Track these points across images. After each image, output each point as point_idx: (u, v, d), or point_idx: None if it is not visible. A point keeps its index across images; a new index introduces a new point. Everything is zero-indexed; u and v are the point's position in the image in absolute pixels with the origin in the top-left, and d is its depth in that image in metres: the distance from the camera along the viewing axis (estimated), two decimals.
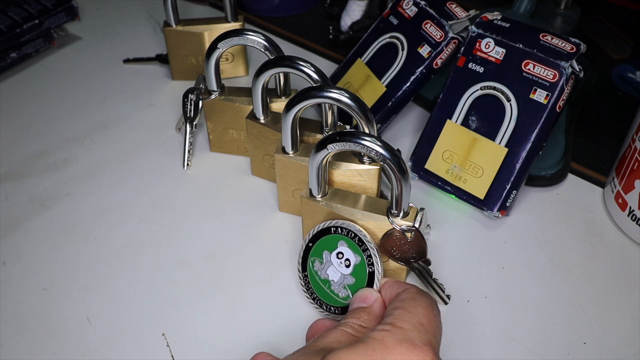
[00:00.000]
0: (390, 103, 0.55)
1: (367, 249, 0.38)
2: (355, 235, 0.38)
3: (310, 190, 0.42)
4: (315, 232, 0.40)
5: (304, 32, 0.76)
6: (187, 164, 0.56)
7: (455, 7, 0.53)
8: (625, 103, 0.63)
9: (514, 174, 0.48)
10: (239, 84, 0.66)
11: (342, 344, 0.31)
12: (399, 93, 0.55)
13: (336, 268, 0.39)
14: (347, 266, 0.38)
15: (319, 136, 0.48)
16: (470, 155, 0.50)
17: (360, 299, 0.37)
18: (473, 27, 0.51)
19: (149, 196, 0.53)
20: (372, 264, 0.38)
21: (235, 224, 0.50)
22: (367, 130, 0.42)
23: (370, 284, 0.38)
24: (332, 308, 0.41)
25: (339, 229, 0.39)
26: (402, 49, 0.55)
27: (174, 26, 0.63)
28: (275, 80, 0.52)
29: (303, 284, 0.41)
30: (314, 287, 0.41)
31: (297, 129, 0.45)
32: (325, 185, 0.42)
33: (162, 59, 0.69)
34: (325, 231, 0.39)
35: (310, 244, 0.40)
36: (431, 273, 0.42)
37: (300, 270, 0.41)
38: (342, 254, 0.39)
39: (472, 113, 0.50)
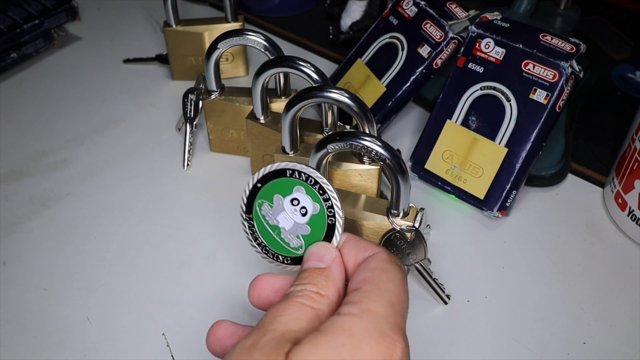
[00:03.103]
0: (390, 103, 0.55)
1: (329, 198, 0.33)
2: (316, 182, 0.33)
3: None
4: (266, 172, 0.34)
5: (304, 32, 0.76)
6: (187, 164, 0.56)
7: (455, 7, 0.53)
8: (625, 103, 0.63)
9: (514, 174, 0.48)
10: (239, 84, 0.66)
11: (301, 322, 0.27)
12: (399, 93, 0.55)
13: (289, 215, 0.34)
14: (303, 215, 0.34)
15: (319, 136, 0.48)
16: (470, 155, 0.50)
17: (315, 257, 0.32)
18: (473, 27, 0.51)
19: (149, 196, 0.53)
20: (334, 216, 0.33)
21: (235, 224, 0.50)
22: (367, 130, 0.42)
23: (329, 237, 0.33)
24: (280, 257, 0.35)
25: (297, 172, 0.33)
26: (402, 49, 0.55)
27: (174, 26, 0.63)
28: (275, 80, 0.52)
29: (246, 226, 0.36)
30: (260, 232, 0.35)
31: (297, 129, 0.45)
32: None
33: (162, 59, 0.69)
34: (279, 173, 0.34)
35: (259, 185, 0.34)
36: (431, 273, 0.42)
37: (245, 211, 0.35)
38: (298, 200, 0.34)
39: (472, 113, 0.50)
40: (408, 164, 0.54)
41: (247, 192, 0.35)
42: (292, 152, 0.46)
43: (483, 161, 0.49)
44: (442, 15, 0.53)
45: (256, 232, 0.36)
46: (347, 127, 0.50)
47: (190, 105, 0.55)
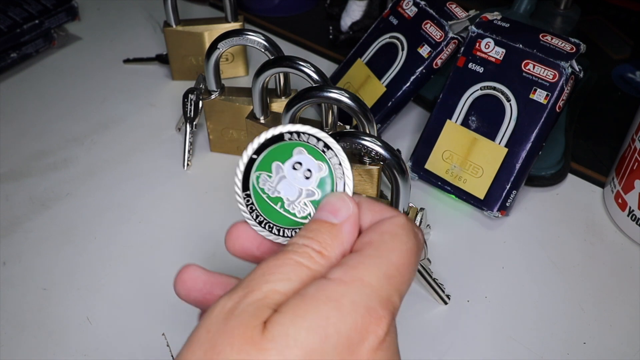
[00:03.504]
0: (390, 103, 0.55)
1: (335, 155, 0.29)
2: (319, 139, 0.29)
3: None
4: (262, 140, 0.30)
5: (304, 32, 0.76)
6: (187, 164, 0.56)
7: (455, 7, 0.53)
8: (625, 103, 0.63)
9: (514, 174, 0.48)
10: (239, 84, 0.66)
11: (292, 283, 0.24)
12: (399, 93, 0.55)
13: (291, 182, 0.30)
14: (308, 177, 0.30)
15: None
16: (470, 155, 0.50)
17: (329, 208, 0.27)
18: (473, 27, 0.51)
19: (149, 196, 0.53)
20: (342, 174, 0.29)
21: None
22: (367, 130, 0.42)
23: None
24: (286, 231, 0.31)
25: (296, 134, 0.30)
26: (402, 49, 0.55)
27: (174, 26, 0.63)
28: (275, 80, 0.52)
29: (243, 204, 0.31)
30: (260, 208, 0.31)
31: None
32: None
33: (162, 59, 0.69)
34: (277, 139, 0.30)
35: (255, 156, 0.31)
36: (431, 273, 0.42)
37: (241, 189, 0.31)
38: (301, 163, 0.30)
39: (472, 113, 0.50)
40: (408, 164, 0.54)
41: (242, 167, 0.31)
42: None
43: (483, 161, 0.49)
44: (442, 15, 0.53)
45: (256, 208, 0.31)
46: (347, 127, 0.50)
47: (190, 105, 0.55)
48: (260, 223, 0.31)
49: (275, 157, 0.30)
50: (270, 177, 0.31)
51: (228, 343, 0.22)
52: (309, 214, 0.30)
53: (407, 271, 0.26)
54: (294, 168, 0.30)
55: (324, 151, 0.29)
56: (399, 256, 0.25)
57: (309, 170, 0.30)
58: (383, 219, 0.27)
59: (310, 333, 0.22)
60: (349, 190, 0.29)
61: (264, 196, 0.31)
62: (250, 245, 0.30)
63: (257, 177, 0.31)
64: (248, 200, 0.31)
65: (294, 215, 0.30)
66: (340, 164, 0.29)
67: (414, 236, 0.27)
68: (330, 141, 0.29)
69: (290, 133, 0.29)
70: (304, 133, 0.29)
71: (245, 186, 0.31)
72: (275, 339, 0.22)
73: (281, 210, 0.31)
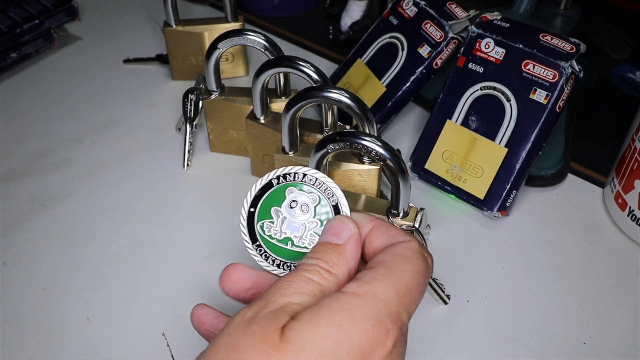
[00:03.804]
0: (390, 103, 0.55)
1: (321, 183, 0.32)
2: (304, 175, 0.32)
3: None
4: (253, 194, 0.33)
5: (304, 32, 0.76)
6: (187, 164, 0.56)
7: (455, 7, 0.53)
8: (624, 103, 0.63)
9: (514, 174, 0.48)
10: (239, 84, 0.66)
11: (305, 296, 0.27)
12: (399, 93, 0.55)
13: (293, 219, 0.33)
14: (306, 212, 0.33)
15: (319, 136, 0.48)
16: (470, 155, 0.50)
17: (333, 231, 0.30)
18: (473, 27, 0.51)
19: (149, 196, 0.53)
20: (333, 195, 0.32)
21: (235, 224, 0.50)
22: (367, 130, 0.42)
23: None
24: None
25: (281, 177, 0.32)
26: (402, 49, 0.55)
27: (174, 26, 0.63)
28: (275, 80, 0.52)
29: (258, 255, 0.34)
30: (274, 253, 0.34)
31: (297, 129, 0.45)
32: None
33: (162, 59, 0.69)
34: (266, 188, 0.33)
35: (252, 209, 0.34)
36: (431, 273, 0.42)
37: (250, 242, 0.34)
38: (296, 201, 0.33)
39: (472, 113, 0.50)
40: (408, 164, 0.54)
41: (245, 222, 0.34)
42: (292, 152, 0.46)
43: (483, 161, 0.49)
44: (442, 15, 0.53)
45: (270, 255, 0.34)
46: (347, 127, 0.50)
47: (190, 105, 0.55)
48: (278, 266, 0.34)
49: (271, 204, 0.33)
50: (272, 222, 0.33)
51: (249, 344, 0.24)
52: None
53: (416, 291, 0.28)
54: (291, 207, 0.33)
55: (310, 182, 0.32)
56: (409, 277, 0.27)
57: (305, 204, 0.32)
58: (396, 242, 0.29)
59: (324, 338, 0.24)
60: (345, 209, 0.32)
61: (273, 241, 0.34)
62: (243, 286, 0.33)
63: (262, 227, 0.34)
64: (260, 250, 0.34)
65: (306, 247, 0.33)
66: (327, 189, 0.32)
67: (424, 260, 0.29)
68: (309, 171, 0.32)
69: (277, 177, 0.33)
70: (288, 174, 0.32)
71: (253, 238, 0.34)
72: (292, 341, 0.24)
73: (293, 248, 0.33)
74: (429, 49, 0.53)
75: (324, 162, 0.40)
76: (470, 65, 0.50)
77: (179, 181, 0.55)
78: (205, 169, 0.56)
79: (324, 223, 0.32)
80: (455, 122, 0.51)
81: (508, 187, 0.48)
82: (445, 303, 0.43)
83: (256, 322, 0.25)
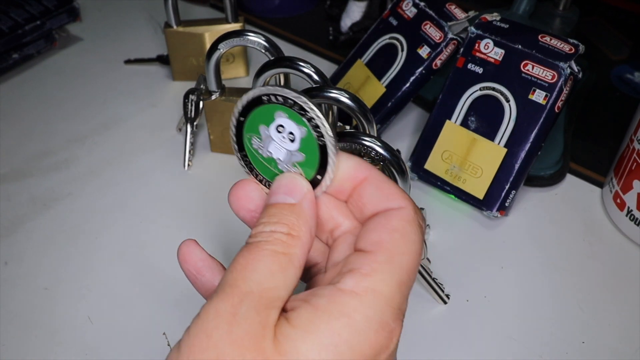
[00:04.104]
0: (390, 103, 0.55)
1: (312, 117, 0.29)
2: (294, 102, 0.29)
3: None
4: (245, 103, 0.31)
5: (304, 33, 0.76)
6: (188, 164, 0.56)
7: (454, 8, 0.54)
8: (623, 103, 0.63)
9: (513, 174, 0.48)
10: (239, 84, 0.66)
11: (276, 276, 0.24)
12: (399, 94, 0.55)
13: (279, 144, 0.31)
14: (292, 140, 0.31)
15: None
16: (469, 155, 0.50)
17: (284, 190, 0.27)
18: (472, 28, 0.51)
19: (150, 196, 0.53)
20: (322, 136, 0.29)
21: (235, 224, 0.50)
22: (367, 131, 0.43)
23: (323, 160, 0.29)
24: None
25: (272, 96, 0.30)
26: (402, 50, 0.56)
27: (174, 27, 0.63)
28: (275, 80, 0.52)
29: (244, 164, 0.33)
30: (258, 168, 0.32)
31: None
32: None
33: (163, 60, 0.69)
34: (256, 101, 0.31)
35: (242, 118, 0.32)
36: (431, 273, 0.43)
37: (237, 149, 0.33)
38: (283, 126, 0.31)
39: (471, 113, 0.50)
40: (408, 164, 0.54)
41: (234, 130, 0.32)
42: None
43: (482, 161, 0.49)
44: (442, 16, 0.54)
45: (254, 167, 0.32)
46: (347, 127, 0.50)
47: (191, 105, 0.56)
48: (260, 181, 0.32)
49: (260, 120, 0.31)
50: (260, 139, 0.31)
51: (238, 354, 0.22)
52: (300, 175, 0.30)
53: (415, 273, 0.25)
54: (278, 130, 0.30)
55: (301, 113, 0.29)
56: (409, 260, 0.25)
57: (291, 132, 0.30)
58: (391, 211, 0.26)
59: (322, 350, 0.22)
60: (333, 149, 0.29)
61: (258, 157, 0.32)
62: (247, 205, 0.30)
63: (249, 140, 0.32)
64: (246, 160, 0.32)
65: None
66: (317, 126, 0.29)
67: (420, 230, 0.26)
68: (305, 103, 0.29)
69: (268, 95, 0.29)
70: (279, 96, 0.29)
71: (241, 146, 0.32)
72: (287, 353, 0.22)
73: (275, 170, 0.31)
74: (429, 49, 0.54)
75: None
76: (469, 65, 0.51)
77: (179, 181, 0.55)
78: (206, 169, 0.56)
79: (307, 161, 0.29)
80: (455, 122, 0.51)
81: (507, 187, 0.48)
82: (445, 303, 0.44)
83: (240, 324, 0.22)
